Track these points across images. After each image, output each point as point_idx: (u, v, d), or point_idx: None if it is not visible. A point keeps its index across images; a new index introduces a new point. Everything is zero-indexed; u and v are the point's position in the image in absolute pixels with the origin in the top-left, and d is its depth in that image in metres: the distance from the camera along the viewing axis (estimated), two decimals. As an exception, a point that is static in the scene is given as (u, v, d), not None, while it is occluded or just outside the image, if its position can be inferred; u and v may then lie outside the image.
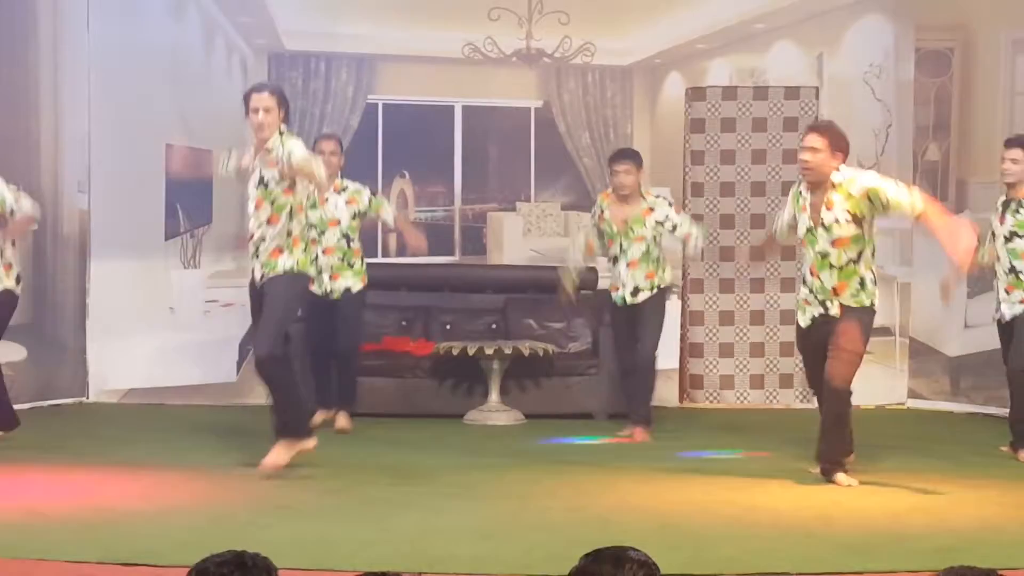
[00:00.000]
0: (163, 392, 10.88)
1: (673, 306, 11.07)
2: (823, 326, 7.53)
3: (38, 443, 8.65)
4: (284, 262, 7.67)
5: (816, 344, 7.62)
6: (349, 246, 9.50)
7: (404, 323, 10.81)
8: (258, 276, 7.74)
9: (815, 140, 7.37)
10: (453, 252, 11.92)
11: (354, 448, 8.88)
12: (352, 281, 9.50)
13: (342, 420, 9.53)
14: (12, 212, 8.57)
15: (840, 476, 7.58)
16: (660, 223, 9.29)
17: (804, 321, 7.66)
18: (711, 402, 11.19)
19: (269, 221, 7.68)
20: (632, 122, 11.86)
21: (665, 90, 11.93)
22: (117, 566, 5.53)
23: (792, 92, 11.26)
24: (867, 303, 7.48)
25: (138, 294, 11.07)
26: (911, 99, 11.28)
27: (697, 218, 11.18)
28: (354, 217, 9.49)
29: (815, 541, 6.15)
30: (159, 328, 11.06)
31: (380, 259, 11.64)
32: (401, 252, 11.92)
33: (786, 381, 11.24)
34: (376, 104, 11.76)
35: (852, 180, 7.33)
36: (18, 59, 10.63)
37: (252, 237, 7.77)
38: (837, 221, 7.33)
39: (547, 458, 8.58)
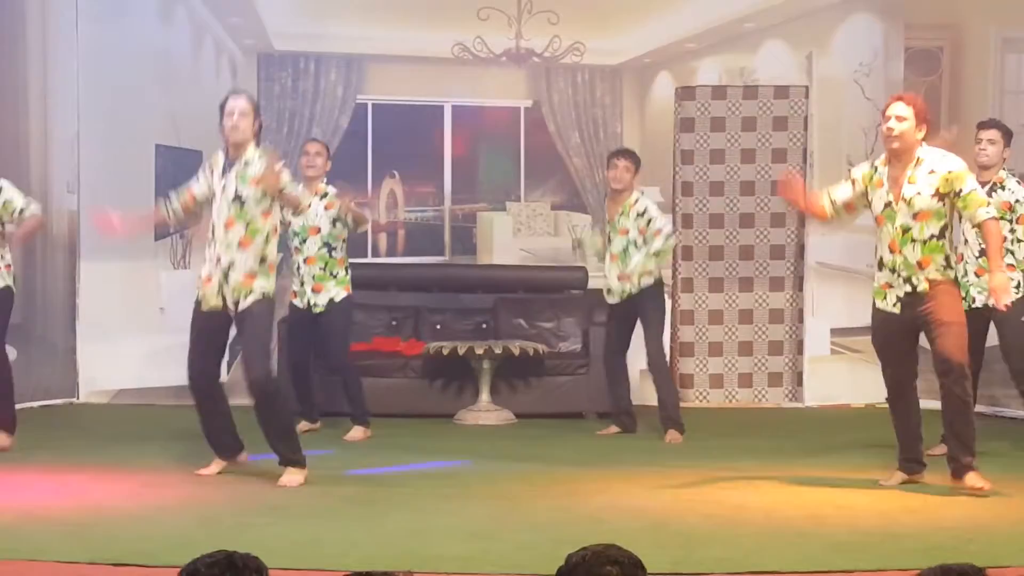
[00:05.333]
0: (153, 393, 10.87)
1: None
2: (913, 305, 7.17)
3: (29, 444, 8.64)
4: (262, 285, 7.37)
5: (906, 327, 7.24)
6: (331, 255, 9.22)
7: (394, 323, 10.80)
8: (229, 302, 7.37)
9: (903, 109, 7.18)
10: (443, 252, 11.92)
11: (343, 449, 8.88)
12: (335, 291, 9.24)
13: (357, 433, 9.35)
14: (21, 212, 8.52)
15: (972, 477, 7.24)
16: (640, 215, 9.31)
17: (888, 305, 7.25)
18: (701, 401, 11.20)
19: (241, 244, 7.33)
20: (622, 122, 11.87)
21: (655, 89, 11.93)
22: (108, 566, 5.53)
23: (782, 91, 11.27)
24: (953, 277, 7.23)
25: (128, 295, 11.06)
26: (900, 98, 11.28)
27: (687, 218, 11.21)
28: (334, 223, 9.20)
29: (805, 540, 6.16)
30: (149, 329, 11.04)
31: (370, 259, 11.64)
32: (391, 252, 11.92)
33: (775, 380, 11.25)
34: (366, 104, 11.76)
35: (939, 158, 7.17)
36: (7, 60, 10.62)
37: (218, 260, 7.36)
38: (919, 194, 7.12)
39: (537, 458, 8.58)
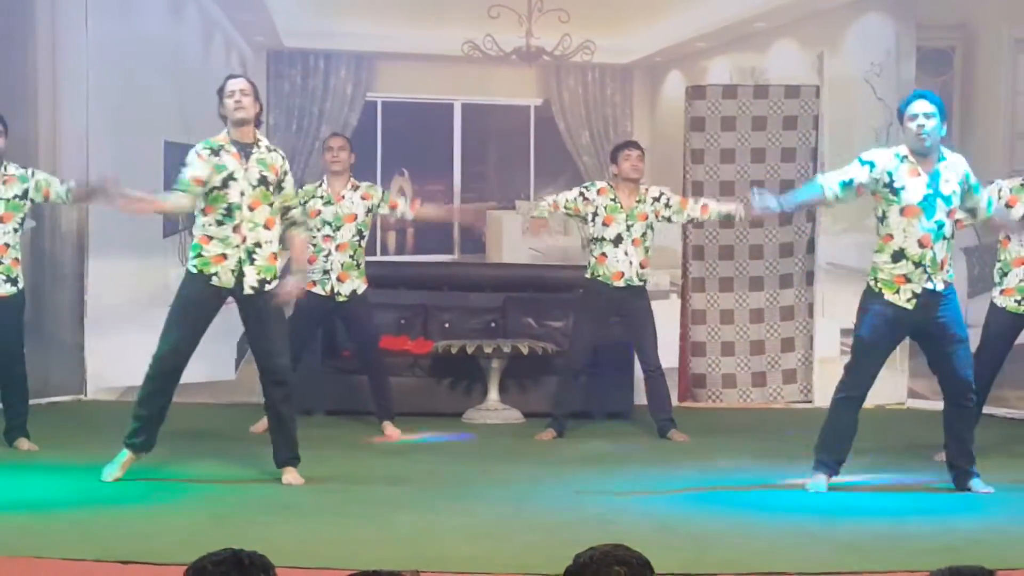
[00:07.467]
0: (161, 390, 10.83)
1: (672, 305, 11.10)
2: (930, 306, 7.08)
3: (36, 441, 8.63)
4: (280, 265, 7.45)
5: (914, 326, 7.20)
6: (360, 243, 9.32)
7: (403, 321, 10.79)
8: (253, 281, 7.30)
9: (929, 106, 7.14)
10: (452, 250, 11.89)
11: (352, 447, 8.86)
12: (358, 283, 9.29)
13: (394, 430, 9.37)
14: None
15: (978, 483, 7.27)
16: (656, 199, 9.27)
17: (900, 299, 7.09)
18: (714, 401, 11.17)
19: (267, 225, 7.31)
20: (632, 120, 11.83)
21: (665, 88, 11.89)
22: (115, 564, 5.51)
23: (792, 91, 11.24)
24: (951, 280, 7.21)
25: (136, 291, 11.03)
26: (912, 98, 11.24)
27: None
28: (368, 212, 9.31)
29: (815, 541, 6.14)
30: (157, 325, 10.93)
31: (379, 257, 11.61)
32: (400, 250, 11.90)
33: (789, 377, 11.22)
34: (375, 102, 11.72)
35: (957, 158, 7.21)
36: (16, 56, 10.61)
37: (243, 239, 7.28)
38: (955, 192, 7.10)
39: (545, 457, 8.56)
